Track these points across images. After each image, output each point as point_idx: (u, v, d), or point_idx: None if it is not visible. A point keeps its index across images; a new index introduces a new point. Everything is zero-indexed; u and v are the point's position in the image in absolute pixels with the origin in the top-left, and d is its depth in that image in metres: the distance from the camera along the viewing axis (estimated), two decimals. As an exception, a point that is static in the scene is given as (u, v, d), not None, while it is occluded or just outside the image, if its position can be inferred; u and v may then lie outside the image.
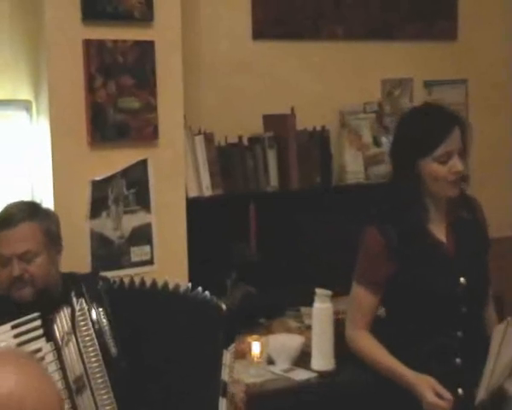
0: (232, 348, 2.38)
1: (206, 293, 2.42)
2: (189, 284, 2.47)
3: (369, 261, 2.66)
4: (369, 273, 2.66)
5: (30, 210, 2.67)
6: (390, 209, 2.65)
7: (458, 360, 2.62)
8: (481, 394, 2.56)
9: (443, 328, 2.59)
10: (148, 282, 2.45)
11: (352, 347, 2.75)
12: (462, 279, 2.61)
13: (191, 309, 2.43)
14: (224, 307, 2.40)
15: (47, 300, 2.55)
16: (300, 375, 3.31)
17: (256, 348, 3.29)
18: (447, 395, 2.50)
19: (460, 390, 2.59)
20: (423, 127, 2.62)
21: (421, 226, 2.62)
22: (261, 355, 3.30)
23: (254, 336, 3.34)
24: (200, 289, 2.43)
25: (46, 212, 2.75)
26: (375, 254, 2.63)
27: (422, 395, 2.50)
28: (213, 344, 2.36)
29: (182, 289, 2.44)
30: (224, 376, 2.35)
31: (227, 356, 2.35)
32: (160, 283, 2.44)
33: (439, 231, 2.66)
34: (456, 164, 2.57)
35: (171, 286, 2.44)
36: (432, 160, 2.57)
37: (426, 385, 2.51)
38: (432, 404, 2.49)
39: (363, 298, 2.68)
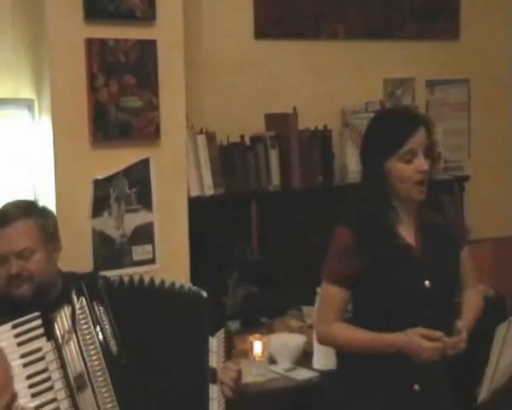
0: (220, 334, 2.39)
1: (190, 285, 2.45)
2: (183, 281, 2.50)
3: (338, 258, 2.68)
4: (339, 269, 2.67)
5: (25, 208, 2.67)
6: (362, 210, 2.67)
7: None
8: (483, 394, 2.56)
9: (404, 327, 2.61)
10: (147, 280, 2.47)
11: (327, 341, 2.78)
12: (427, 282, 2.63)
13: (179, 303, 2.47)
14: (204, 294, 2.41)
15: (46, 297, 2.56)
16: (302, 374, 3.32)
17: (258, 347, 3.29)
18: (437, 334, 2.52)
19: (416, 386, 2.63)
20: (388, 128, 2.66)
21: (390, 228, 2.65)
22: (263, 355, 3.30)
23: (256, 336, 3.34)
24: (189, 284, 2.46)
25: (42, 209, 2.74)
26: (345, 251, 2.65)
27: (419, 345, 2.51)
28: (199, 332, 2.39)
29: (177, 285, 2.48)
30: (213, 363, 2.35)
31: (213, 343, 2.36)
32: (157, 281, 2.46)
33: (409, 234, 2.68)
34: (422, 162, 2.59)
35: (167, 284, 2.46)
36: (397, 160, 2.59)
37: (415, 335, 2.53)
38: (430, 349, 2.51)
39: (333, 295, 2.70)
